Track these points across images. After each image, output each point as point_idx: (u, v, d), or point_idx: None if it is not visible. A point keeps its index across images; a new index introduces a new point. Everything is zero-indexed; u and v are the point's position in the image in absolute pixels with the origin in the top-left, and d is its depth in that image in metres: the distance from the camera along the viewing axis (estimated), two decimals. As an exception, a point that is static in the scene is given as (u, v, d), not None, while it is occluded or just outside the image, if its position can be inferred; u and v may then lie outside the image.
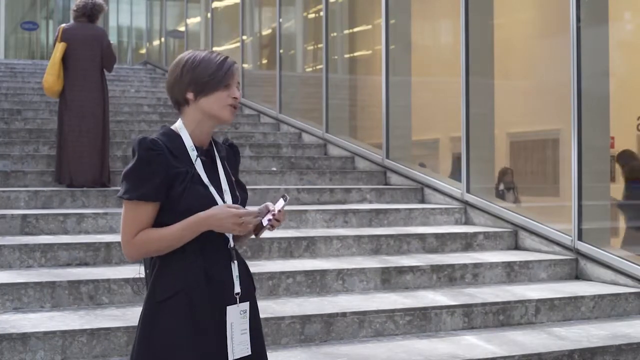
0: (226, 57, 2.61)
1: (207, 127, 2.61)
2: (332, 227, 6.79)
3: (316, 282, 5.46)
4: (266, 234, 6.63)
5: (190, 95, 2.56)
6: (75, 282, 4.90)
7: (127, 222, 2.49)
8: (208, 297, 2.50)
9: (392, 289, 5.66)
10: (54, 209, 6.43)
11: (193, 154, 2.56)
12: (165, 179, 2.48)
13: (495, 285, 5.89)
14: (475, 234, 6.69)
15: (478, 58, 7.56)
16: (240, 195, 2.67)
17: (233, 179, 2.67)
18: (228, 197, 2.59)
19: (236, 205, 2.53)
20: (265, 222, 2.56)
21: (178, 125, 2.61)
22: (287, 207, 2.63)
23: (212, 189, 2.54)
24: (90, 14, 7.45)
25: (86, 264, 5.49)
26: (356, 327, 4.90)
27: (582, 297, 5.57)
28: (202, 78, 2.55)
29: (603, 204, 6.70)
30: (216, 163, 2.63)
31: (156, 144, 2.50)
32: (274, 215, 2.57)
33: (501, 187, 7.71)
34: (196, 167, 2.55)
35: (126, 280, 4.97)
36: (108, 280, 4.97)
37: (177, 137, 2.57)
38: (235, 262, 2.59)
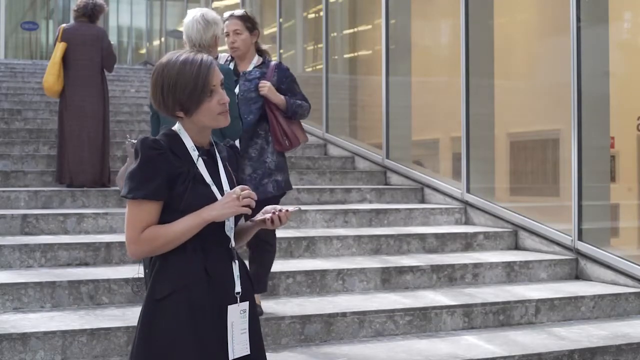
0: (200, 61, 2.53)
1: (206, 131, 2.62)
2: (332, 227, 6.79)
3: (316, 282, 5.46)
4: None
5: (180, 114, 2.57)
6: (75, 282, 4.90)
7: (132, 221, 2.50)
8: (208, 296, 2.50)
9: (392, 289, 5.66)
10: (54, 209, 6.43)
11: (194, 153, 2.57)
12: (167, 178, 2.50)
13: (495, 285, 5.89)
14: (475, 234, 6.69)
15: (478, 58, 7.56)
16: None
17: (234, 178, 2.69)
18: (229, 195, 2.59)
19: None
20: (268, 215, 2.61)
21: (177, 128, 2.61)
22: (287, 208, 2.64)
23: (213, 188, 2.56)
24: (90, 14, 7.46)
25: (86, 264, 5.49)
26: (356, 327, 4.89)
27: (582, 297, 5.57)
28: (184, 97, 2.52)
29: (603, 204, 6.70)
30: (217, 162, 2.64)
31: (158, 144, 2.52)
32: (280, 210, 2.60)
33: None
34: (198, 167, 2.56)
35: (126, 280, 4.97)
36: (108, 280, 4.97)
37: (177, 137, 2.59)
38: (237, 261, 2.60)
